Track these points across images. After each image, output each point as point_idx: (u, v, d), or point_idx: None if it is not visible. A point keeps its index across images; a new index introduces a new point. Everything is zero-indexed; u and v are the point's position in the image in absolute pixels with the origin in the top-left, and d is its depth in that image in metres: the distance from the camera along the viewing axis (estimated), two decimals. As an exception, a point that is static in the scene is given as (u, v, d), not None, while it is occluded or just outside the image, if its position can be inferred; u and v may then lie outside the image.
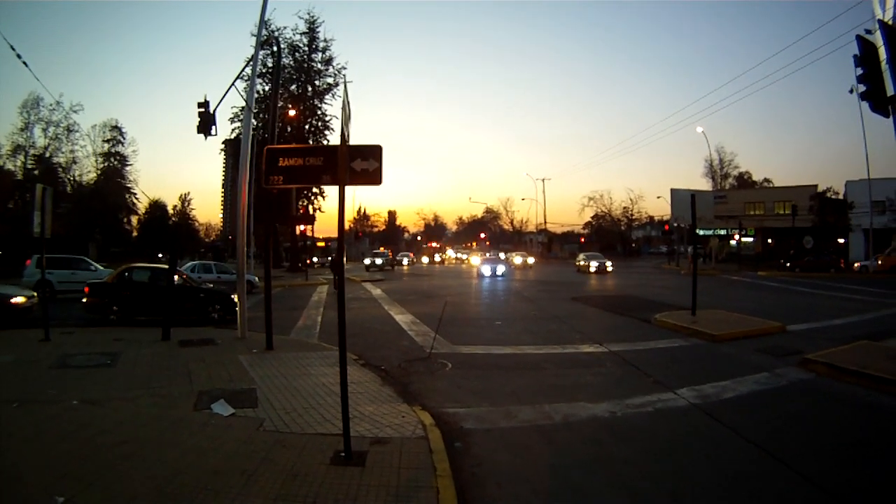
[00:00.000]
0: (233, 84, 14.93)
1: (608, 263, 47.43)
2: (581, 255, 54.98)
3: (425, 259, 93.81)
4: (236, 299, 17.06)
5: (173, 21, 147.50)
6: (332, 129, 55.54)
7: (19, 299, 16.80)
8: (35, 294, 17.88)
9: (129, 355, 11.88)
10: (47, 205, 13.49)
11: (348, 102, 6.55)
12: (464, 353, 13.21)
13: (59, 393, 8.98)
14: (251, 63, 15.24)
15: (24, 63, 14.46)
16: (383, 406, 8.62)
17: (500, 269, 46.07)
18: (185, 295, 17.92)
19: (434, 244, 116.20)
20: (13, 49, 14.01)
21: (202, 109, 14.76)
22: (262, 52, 41.83)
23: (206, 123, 14.80)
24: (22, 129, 61.08)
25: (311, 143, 53.56)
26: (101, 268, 27.92)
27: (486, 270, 45.50)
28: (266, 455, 6.35)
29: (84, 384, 9.59)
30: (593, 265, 47.50)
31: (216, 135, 14.99)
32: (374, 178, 6.62)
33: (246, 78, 22.67)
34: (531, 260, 67.64)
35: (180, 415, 7.90)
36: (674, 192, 19.83)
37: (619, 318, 19.00)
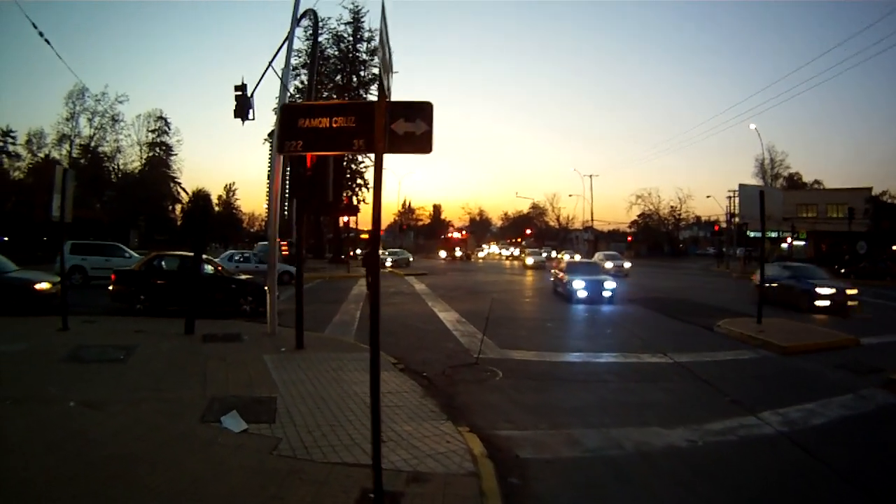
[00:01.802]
0: (269, 65, 14.06)
1: (626, 264, 43.43)
2: (599, 254, 49.73)
3: (443, 254, 79.69)
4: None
5: (216, 11, 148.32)
6: None
7: (44, 285, 16.31)
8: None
9: (146, 350, 11.06)
10: (68, 188, 12.92)
11: (389, 47, 5.18)
12: (515, 359, 12.18)
13: (59, 391, 8.17)
14: (287, 40, 14.19)
15: (47, 41, 13.89)
16: (424, 425, 7.46)
17: (609, 285, 23.34)
18: (216, 285, 17.20)
19: (456, 234, 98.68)
20: (36, 27, 13.47)
21: (239, 93, 14.00)
22: (300, 34, 41.82)
23: (244, 107, 14.07)
24: (67, 119, 63.06)
25: None
26: (137, 255, 27.64)
27: (580, 289, 23.08)
28: (277, 492, 5.25)
29: (89, 382, 8.77)
30: (607, 265, 44.52)
31: (254, 119, 14.21)
32: (421, 144, 5.36)
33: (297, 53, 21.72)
34: (578, 258, 66.88)
35: (184, 428, 6.89)
36: (742, 188, 18.26)
37: (678, 324, 17.92)
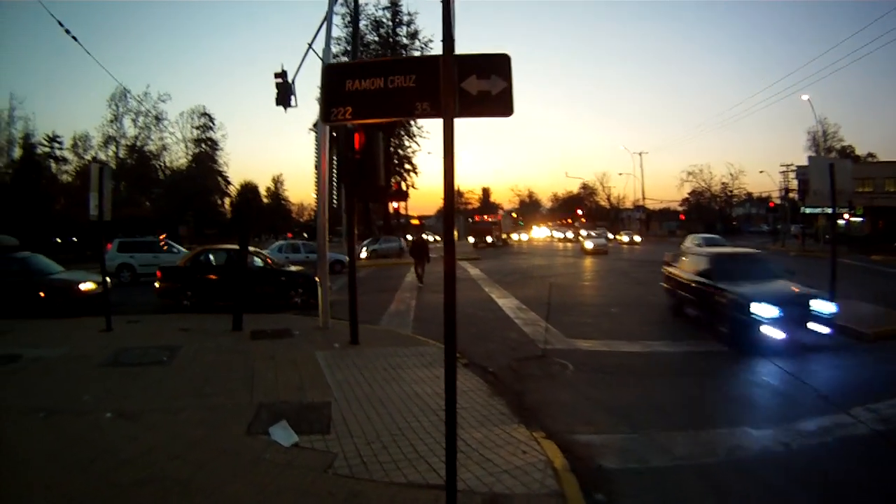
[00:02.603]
0: (310, 46, 13.43)
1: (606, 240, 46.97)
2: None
3: (471, 240, 62.57)
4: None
5: (252, 2, 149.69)
6: None
7: (89, 286, 16.15)
8: (109, 280, 16.95)
9: (190, 350, 10.57)
10: (105, 186, 12.62)
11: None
12: (584, 349, 11.38)
13: (95, 400, 7.66)
14: (326, 20, 13.51)
15: (74, 38, 13.76)
16: (495, 430, 6.64)
17: (822, 306, 11.26)
18: (265, 278, 16.81)
19: (487, 217, 77.95)
20: (62, 25, 13.41)
21: (280, 80, 13.64)
22: (338, 21, 41.58)
23: (285, 94, 13.74)
24: (112, 121, 65.33)
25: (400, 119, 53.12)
26: (185, 250, 27.72)
27: (773, 320, 10.81)
28: (332, 523, 4.41)
29: (128, 388, 8.25)
30: (588, 245, 47.00)
31: (296, 106, 13.93)
32: (499, 105, 4.45)
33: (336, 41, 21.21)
34: (638, 238, 66.13)
35: (228, 441, 6.19)
36: (813, 160, 16.82)
37: None
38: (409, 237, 51.97)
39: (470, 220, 73.23)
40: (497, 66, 4.50)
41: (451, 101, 4.28)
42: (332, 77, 4.88)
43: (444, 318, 4.35)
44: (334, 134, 12.53)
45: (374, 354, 10.30)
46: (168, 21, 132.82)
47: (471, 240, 62.79)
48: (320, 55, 13.40)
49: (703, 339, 12.13)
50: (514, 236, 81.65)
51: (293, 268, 18.90)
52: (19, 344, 11.23)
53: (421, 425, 6.74)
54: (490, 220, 71.69)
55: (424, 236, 30.60)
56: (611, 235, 68.33)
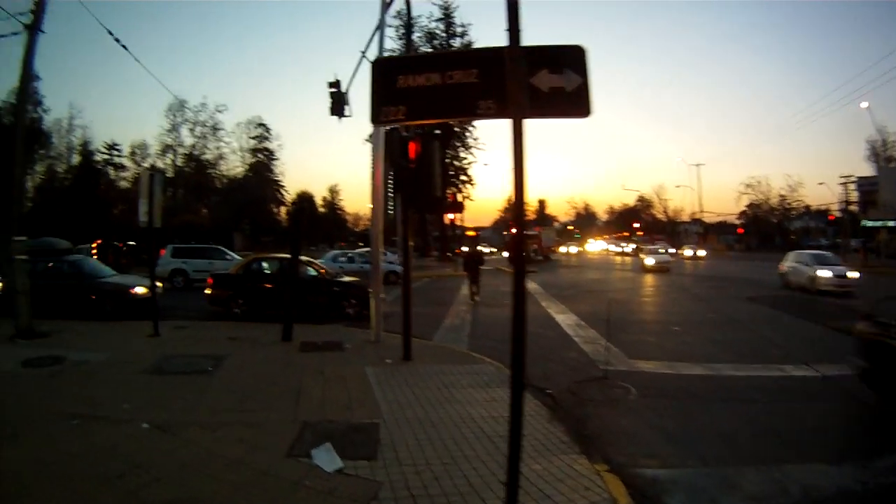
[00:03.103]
0: (363, 55, 13.25)
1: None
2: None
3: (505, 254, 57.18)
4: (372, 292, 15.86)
5: (307, 14, 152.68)
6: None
7: (140, 290, 16.24)
8: (161, 284, 17.46)
9: (236, 360, 10.31)
10: (155, 192, 12.74)
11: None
12: (646, 371, 10.83)
13: (133, 409, 7.41)
14: (379, 29, 13.31)
15: (124, 46, 14.30)
16: (555, 461, 6.11)
17: None
18: (317, 288, 16.62)
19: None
20: (112, 34, 13.94)
21: (334, 90, 13.69)
22: (391, 33, 41.93)
23: (339, 104, 13.84)
24: (169, 131, 69.04)
25: (455, 128, 53.33)
26: (239, 258, 27.98)
27: None
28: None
29: (168, 397, 7.99)
30: (649, 261, 42.71)
31: (350, 115, 14.01)
32: (575, 103, 4.00)
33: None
34: (702, 252, 64.22)
35: (266, 463, 5.79)
36: (883, 170, 15.96)
37: (813, 328, 16.03)
38: (465, 249, 51.48)
39: (504, 233, 72.30)
40: (571, 60, 4.04)
41: (520, 98, 3.81)
42: (383, 72, 4.44)
43: (511, 348, 3.86)
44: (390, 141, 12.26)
45: (427, 372, 9.83)
46: (225, 32, 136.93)
47: (506, 254, 58.91)
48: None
49: (773, 362, 11.42)
50: (564, 249, 77.65)
51: (346, 278, 18.67)
52: (65, 346, 11.23)
53: (475, 453, 6.24)
54: (528, 233, 61.79)
55: (479, 248, 29.92)
56: (672, 250, 66.03)
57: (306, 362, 10.29)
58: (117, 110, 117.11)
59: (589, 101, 4.03)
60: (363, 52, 13.26)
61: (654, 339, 14.31)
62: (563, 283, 31.06)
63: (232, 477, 5.35)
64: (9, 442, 6.15)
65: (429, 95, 4.25)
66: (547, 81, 4.01)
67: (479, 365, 10.55)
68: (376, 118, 4.36)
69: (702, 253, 63.74)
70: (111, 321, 14.70)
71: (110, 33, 13.53)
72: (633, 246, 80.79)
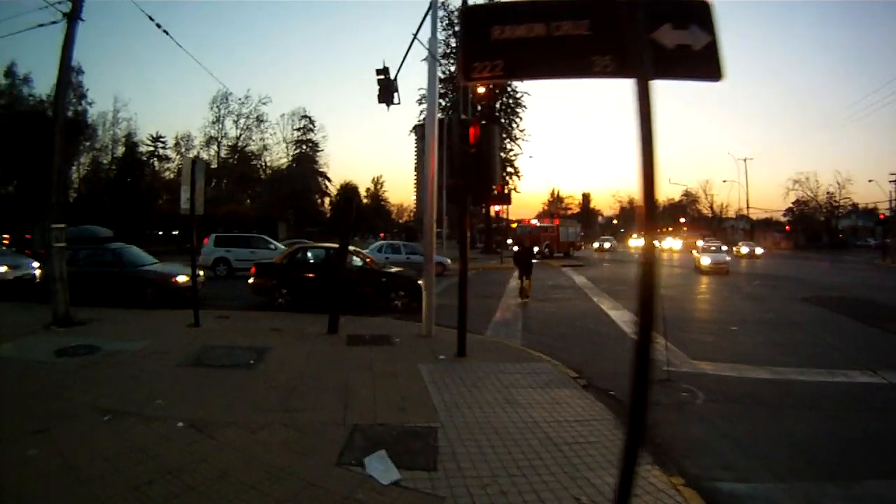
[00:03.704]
0: (415, 37, 12.75)
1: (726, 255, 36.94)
2: (700, 244, 42.05)
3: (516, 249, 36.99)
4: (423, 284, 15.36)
5: (351, 5, 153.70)
6: (525, 106, 53.87)
7: (182, 278, 16.03)
8: (202, 273, 17.37)
9: (279, 353, 9.81)
10: (197, 179, 12.52)
11: None
12: (709, 374, 10.23)
13: (168, 405, 6.94)
14: (431, 9, 12.74)
15: (165, 31, 13.71)
16: (628, 472, 5.38)
17: None
18: (365, 279, 16.17)
19: (535, 221, 61.64)
20: (153, 20, 13.35)
21: (382, 76, 13.20)
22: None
23: (388, 91, 13.26)
24: (214, 122, 71.16)
25: (502, 120, 53.36)
26: (283, 247, 28.06)
27: None
28: None
29: (207, 393, 7.50)
30: (705, 260, 35.97)
31: (399, 103, 13.52)
32: (704, 64, 3.26)
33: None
34: (759, 250, 59.52)
35: (314, 472, 5.20)
36: None
37: (872, 331, 15.19)
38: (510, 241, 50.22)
39: (515, 225, 59.66)
40: (696, 16, 3.34)
41: (644, 55, 3.15)
42: (475, 23, 3.71)
43: (634, 381, 3.16)
44: (446, 125, 11.73)
45: (484, 370, 9.19)
46: (269, 24, 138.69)
47: (515, 249, 48.76)
48: (426, 45, 12.60)
49: (838, 367, 10.68)
50: (597, 244, 71.71)
51: (393, 269, 18.17)
52: (101, 334, 10.99)
53: (543, 463, 5.65)
54: (540, 225, 57.00)
55: (529, 242, 28.88)
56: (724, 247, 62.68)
57: (354, 357, 9.76)
58: (162, 103, 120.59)
59: (720, 63, 3.32)
60: (415, 35, 12.81)
61: (712, 338, 13.73)
62: (613, 278, 30.56)
63: (274, 488, 4.77)
64: (35, 438, 5.75)
65: (531, 49, 3.55)
66: (671, 37, 3.30)
67: (536, 363, 9.93)
68: (467, 74, 3.66)
69: (759, 251, 59.44)
70: (151, 309, 14.57)
71: (151, 18, 13.21)
72: (681, 242, 78.79)
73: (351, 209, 14.27)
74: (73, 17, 12.16)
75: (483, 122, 10.07)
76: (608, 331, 14.31)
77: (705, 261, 35.62)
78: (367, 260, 17.53)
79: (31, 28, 12.73)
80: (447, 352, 10.29)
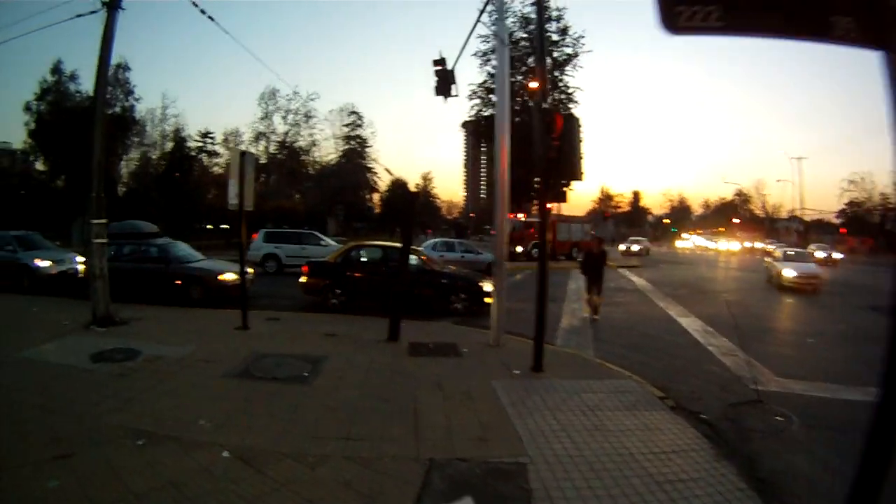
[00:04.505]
0: (478, 20, 12.15)
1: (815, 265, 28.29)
2: (774, 248, 37.09)
3: (519, 249, 41.94)
4: (486, 286, 14.75)
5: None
6: (577, 101, 52.80)
7: (230, 276, 15.52)
8: (252, 271, 16.95)
9: (336, 365, 8.97)
10: (247, 173, 12.10)
11: None
12: (799, 393, 9.28)
13: (212, 428, 6.12)
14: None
15: (210, 18, 13.38)
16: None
17: None
18: (424, 280, 15.18)
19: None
20: (204, 12, 13.09)
21: (439, 67, 12.50)
22: (485, 18, 40.89)
23: (445, 82, 12.47)
24: (262, 119, 72.05)
25: None
26: (334, 243, 27.73)
27: None
28: None
29: (255, 413, 6.67)
30: (788, 273, 26.00)
31: (457, 95, 12.72)
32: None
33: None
34: (837, 255, 52.22)
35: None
36: None
37: None
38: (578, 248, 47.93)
39: (515, 219, 49.68)
40: None
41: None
42: None
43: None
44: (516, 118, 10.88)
45: (564, 389, 8.20)
46: (317, 19, 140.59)
47: (518, 249, 43.85)
48: (490, 26, 11.77)
49: None
50: (623, 246, 61.52)
51: (453, 269, 17.26)
52: (143, 336, 10.40)
53: (647, 506, 4.70)
54: (528, 221, 48.98)
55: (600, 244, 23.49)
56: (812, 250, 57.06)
57: (419, 371, 8.86)
58: (209, 99, 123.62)
59: None
60: (478, 19, 12.36)
61: (791, 351, 12.82)
62: (673, 281, 29.44)
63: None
64: (57, 466, 5.03)
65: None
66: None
67: (617, 380, 8.95)
68: (670, 22, 2.69)
69: (837, 255, 51.72)
70: (197, 308, 14.18)
71: (195, 4, 12.78)
72: (737, 244, 75.78)
73: (414, 204, 13.34)
74: (112, 7, 11.98)
75: (564, 113, 9.29)
76: (682, 341, 13.34)
77: (788, 273, 25.93)
78: (425, 259, 16.66)
79: (71, 18, 12.50)
80: (521, 365, 9.33)
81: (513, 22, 52.15)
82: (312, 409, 6.85)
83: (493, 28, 14.14)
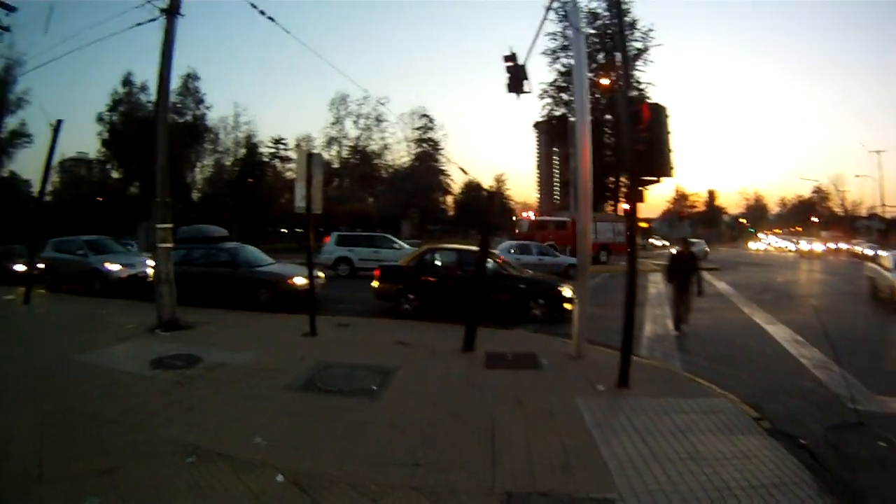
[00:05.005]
0: (547, 11, 11.51)
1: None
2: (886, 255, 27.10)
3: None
4: (565, 292, 14.32)
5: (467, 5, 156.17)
6: (649, 97, 51.92)
7: (300, 280, 15.27)
8: (322, 275, 17.01)
9: (407, 377, 8.45)
10: (315, 175, 11.91)
11: None
12: None
13: (268, 446, 5.69)
14: None
15: (271, 19, 13.19)
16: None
17: None
18: (500, 285, 14.52)
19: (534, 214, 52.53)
20: (263, 13, 12.98)
21: (510, 63, 11.99)
22: (551, 15, 40.55)
23: (517, 79, 11.95)
24: (333, 124, 75.26)
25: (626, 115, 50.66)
26: (407, 246, 27.44)
27: None
28: None
29: (316, 432, 6.18)
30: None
31: (530, 92, 12.26)
32: None
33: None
34: None
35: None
36: None
37: None
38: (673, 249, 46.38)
39: (526, 219, 47.89)
40: None
41: None
42: None
43: None
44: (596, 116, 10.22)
45: (652, 408, 7.42)
46: (386, 24, 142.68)
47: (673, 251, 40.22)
48: (560, 14, 11.13)
49: None
50: (675, 250, 49.45)
51: (530, 273, 16.61)
52: (206, 342, 10.29)
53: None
54: (541, 219, 45.85)
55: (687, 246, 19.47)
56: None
57: (497, 385, 8.22)
58: (280, 106, 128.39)
59: None
60: (549, 6, 11.50)
61: (890, 367, 11.55)
62: (755, 284, 27.90)
63: None
64: (101, 481, 4.74)
65: None
66: None
67: (709, 398, 8.11)
68: None
69: None
70: (265, 312, 14.07)
71: (254, 6, 12.68)
72: (819, 244, 71.76)
73: (492, 206, 12.71)
74: (171, 13, 12.20)
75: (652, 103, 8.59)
76: (772, 351, 12.31)
77: None
78: (501, 262, 16.03)
79: (130, 28, 12.65)
80: (605, 380, 8.59)
81: (581, 17, 51.72)
82: (379, 428, 6.32)
83: (564, 18, 13.54)
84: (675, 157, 9.01)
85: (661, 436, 6.47)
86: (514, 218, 63.17)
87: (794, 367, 10.98)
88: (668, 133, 8.98)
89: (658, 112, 8.68)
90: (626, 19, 52.34)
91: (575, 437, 6.28)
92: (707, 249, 48.83)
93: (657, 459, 5.79)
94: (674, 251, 13.56)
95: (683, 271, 13.82)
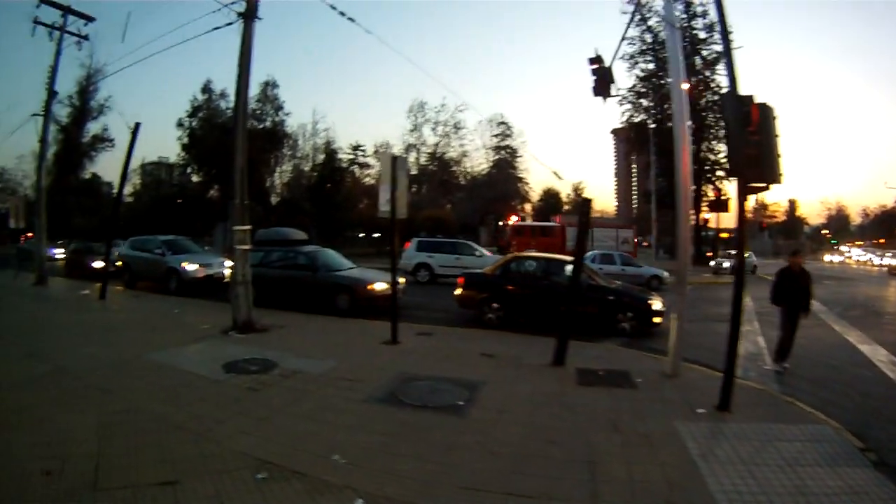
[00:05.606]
0: (634, 12, 11.12)
1: None
2: None
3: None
4: (655, 305, 13.92)
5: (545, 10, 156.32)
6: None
7: (380, 285, 15.15)
8: (403, 280, 16.61)
9: (495, 393, 7.99)
10: (399, 178, 11.72)
11: None
12: None
13: (347, 465, 5.35)
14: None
15: (351, 20, 13.34)
16: None
17: None
18: (588, 296, 13.87)
19: (519, 219, 55.38)
20: (334, 7, 13.05)
21: (595, 66, 11.79)
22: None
23: (603, 81, 11.75)
24: (411, 130, 77.27)
25: (708, 119, 49.52)
26: (488, 253, 27.34)
27: None
28: None
29: (399, 451, 5.79)
30: None
31: (616, 95, 11.92)
32: None
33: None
34: None
35: None
36: None
37: None
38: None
39: (505, 225, 47.04)
40: None
41: None
42: None
43: None
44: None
45: (757, 435, 6.77)
46: (464, 32, 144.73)
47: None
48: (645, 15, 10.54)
49: None
50: (714, 263, 44.55)
51: (618, 284, 15.98)
52: (282, 346, 10.17)
53: None
54: (531, 224, 45.01)
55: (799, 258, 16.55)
56: None
57: (591, 405, 7.69)
58: (358, 113, 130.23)
59: None
60: (636, 7, 11.00)
61: None
62: (842, 300, 26.33)
63: None
64: (161, 493, 4.55)
65: None
66: None
67: (812, 425, 7.39)
68: None
69: None
70: (345, 318, 14.00)
71: (333, 7, 12.77)
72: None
73: (589, 213, 12.00)
74: (249, 17, 12.39)
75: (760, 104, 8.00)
76: (869, 374, 11.30)
77: None
78: (590, 274, 15.43)
79: (207, 32, 13.11)
80: (704, 402, 7.92)
81: (657, 21, 50.14)
82: (468, 450, 5.88)
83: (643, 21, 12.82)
84: (784, 163, 8.43)
85: (767, 467, 5.86)
86: (499, 223, 63.74)
87: (894, 391, 10.14)
88: (777, 136, 8.37)
89: (766, 112, 8.07)
90: (705, 22, 51.15)
91: (678, 467, 5.72)
92: (756, 263, 43.80)
93: (766, 494, 5.22)
94: (783, 266, 11.87)
95: (794, 290, 11.48)
